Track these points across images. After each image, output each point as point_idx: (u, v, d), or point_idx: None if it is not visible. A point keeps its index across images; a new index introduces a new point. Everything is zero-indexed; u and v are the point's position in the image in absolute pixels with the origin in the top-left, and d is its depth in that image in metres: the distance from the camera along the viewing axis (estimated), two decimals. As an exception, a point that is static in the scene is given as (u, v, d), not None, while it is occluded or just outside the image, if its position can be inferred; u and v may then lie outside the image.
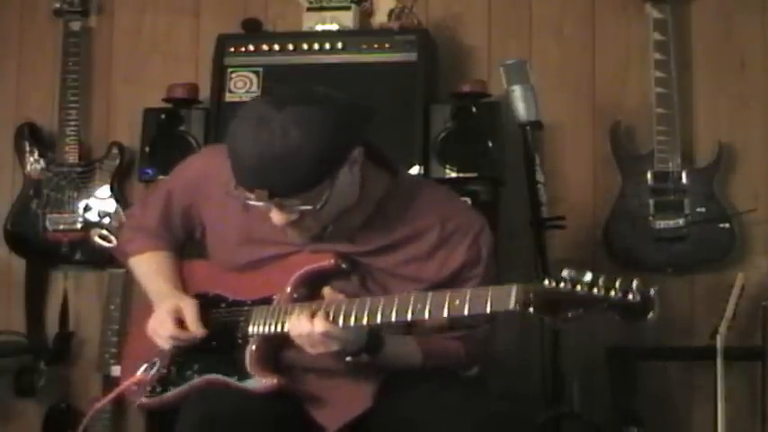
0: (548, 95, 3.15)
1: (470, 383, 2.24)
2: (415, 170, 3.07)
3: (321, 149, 2.00)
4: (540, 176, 2.99)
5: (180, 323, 2.22)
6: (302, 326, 2.06)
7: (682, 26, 3.38)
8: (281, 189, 2.02)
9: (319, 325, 2.04)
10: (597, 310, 1.80)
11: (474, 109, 3.16)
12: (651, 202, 3.24)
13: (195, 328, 2.21)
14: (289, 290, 2.20)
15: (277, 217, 2.10)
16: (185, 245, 2.43)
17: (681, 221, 3.21)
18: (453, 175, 3.12)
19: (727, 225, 3.22)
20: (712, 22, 3.40)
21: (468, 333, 2.23)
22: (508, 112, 3.08)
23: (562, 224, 3.00)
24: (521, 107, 3.00)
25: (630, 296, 1.78)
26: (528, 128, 3.00)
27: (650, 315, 1.78)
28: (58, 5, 3.61)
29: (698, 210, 3.22)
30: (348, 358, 2.11)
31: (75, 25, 3.60)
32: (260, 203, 2.07)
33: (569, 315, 1.82)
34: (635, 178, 3.27)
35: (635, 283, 1.78)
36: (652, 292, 1.78)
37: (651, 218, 3.23)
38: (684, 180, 3.23)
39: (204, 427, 2.07)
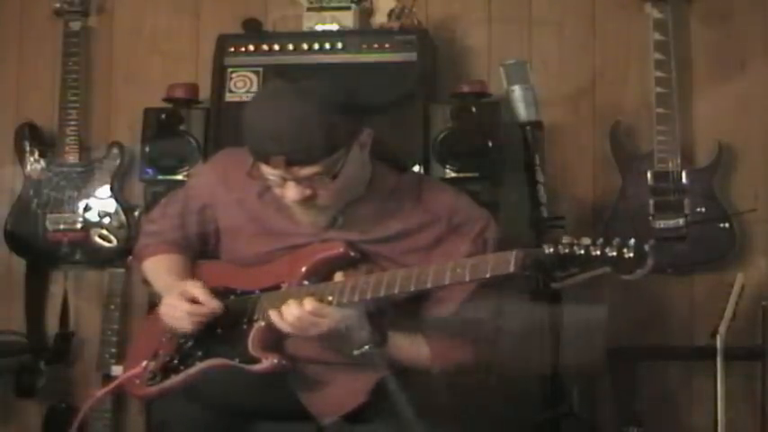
0: (548, 95, 3.15)
1: (468, 383, 2.24)
2: (414, 170, 3.06)
3: (335, 116, 2.08)
4: (540, 176, 2.99)
5: (193, 302, 2.23)
6: (292, 311, 2.09)
7: (682, 26, 3.37)
8: (298, 155, 2.07)
9: (309, 305, 2.08)
10: (593, 267, 1.86)
11: (474, 109, 3.16)
12: (651, 202, 3.23)
13: (208, 302, 2.22)
14: (298, 278, 2.22)
15: (292, 192, 2.13)
16: (198, 253, 2.44)
17: (681, 221, 3.21)
18: (453, 175, 3.12)
19: (726, 225, 3.22)
20: (712, 22, 3.40)
21: (477, 330, 2.26)
22: (508, 112, 3.08)
23: (562, 224, 2.99)
24: (521, 107, 3.00)
25: (625, 251, 1.83)
26: (528, 128, 3.00)
27: (644, 267, 1.83)
28: (58, 5, 3.61)
29: (698, 210, 3.22)
30: (356, 351, 2.13)
31: (76, 25, 3.59)
32: (276, 172, 2.10)
33: (566, 274, 1.88)
34: (635, 178, 3.27)
35: (631, 240, 1.84)
36: (647, 247, 1.83)
37: (651, 218, 3.23)
38: (684, 180, 3.23)
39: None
